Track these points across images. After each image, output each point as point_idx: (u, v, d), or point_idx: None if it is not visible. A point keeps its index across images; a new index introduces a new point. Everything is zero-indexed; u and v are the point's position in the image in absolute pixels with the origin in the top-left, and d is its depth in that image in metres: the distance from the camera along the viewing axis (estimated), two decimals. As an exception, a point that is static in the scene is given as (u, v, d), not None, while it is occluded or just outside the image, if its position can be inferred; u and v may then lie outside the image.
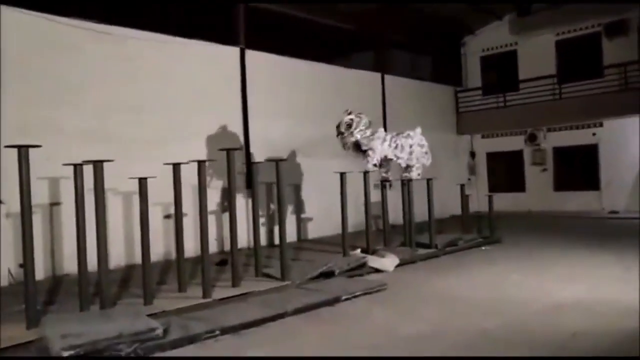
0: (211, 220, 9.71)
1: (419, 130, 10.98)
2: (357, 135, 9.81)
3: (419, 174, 10.80)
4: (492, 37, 19.33)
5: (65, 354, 4.50)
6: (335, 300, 6.63)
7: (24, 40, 9.05)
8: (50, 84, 9.32)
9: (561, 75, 17.54)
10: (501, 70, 19.54)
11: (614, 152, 16.72)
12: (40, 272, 8.40)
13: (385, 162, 10.56)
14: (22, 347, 5.02)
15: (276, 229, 9.54)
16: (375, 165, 10.15)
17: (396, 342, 5.06)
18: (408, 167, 10.74)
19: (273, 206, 11.87)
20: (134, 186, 6.75)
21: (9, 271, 8.48)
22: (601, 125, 16.98)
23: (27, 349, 4.97)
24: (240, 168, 11.61)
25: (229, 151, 7.40)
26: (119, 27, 10.26)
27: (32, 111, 8.96)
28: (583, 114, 16.68)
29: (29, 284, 5.56)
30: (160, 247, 10.12)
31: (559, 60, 17.89)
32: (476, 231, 12.10)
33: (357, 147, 10.06)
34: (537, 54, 18.15)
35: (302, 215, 13.32)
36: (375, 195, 11.03)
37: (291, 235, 12.03)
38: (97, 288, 6.28)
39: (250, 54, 12.53)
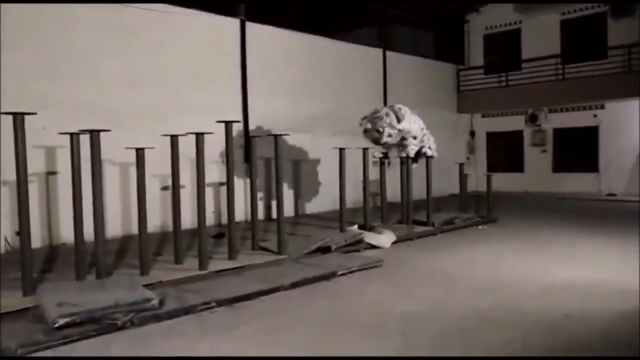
0: (209, 193, 9.71)
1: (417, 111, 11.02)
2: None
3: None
4: (496, 15, 19.07)
5: (61, 321, 4.51)
6: (332, 275, 6.66)
7: (19, 10, 8.87)
8: (47, 55, 9.18)
9: (565, 56, 17.36)
10: (504, 49, 19.33)
11: (614, 135, 16.67)
12: (37, 240, 8.43)
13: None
14: (18, 313, 5.03)
15: (274, 203, 9.53)
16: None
17: (391, 318, 5.08)
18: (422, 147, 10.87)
19: (271, 181, 11.84)
20: (132, 157, 6.71)
21: (5, 239, 8.49)
22: (603, 107, 16.90)
23: (23, 316, 4.99)
24: (239, 142, 11.55)
25: (227, 124, 7.33)
26: (118, 3, 10.06)
27: (28, 82, 8.81)
28: (585, 95, 16.56)
29: (26, 251, 5.56)
30: (157, 218, 10.13)
31: (563, 40, 17.68)
32: (474, 210, 12.12)
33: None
34: (542, 33, 17.94)
35: (300, 191, 13.31)
36: (373, 173, 11.01)
37: (289, 210, 12.03)
38: (94, 258, 6.28)
39: (250, 26, 12.35)
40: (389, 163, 11.07)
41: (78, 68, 9.55)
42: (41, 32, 9.11)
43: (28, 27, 8.94)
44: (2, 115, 5.70)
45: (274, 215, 9.51)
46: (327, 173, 12.74)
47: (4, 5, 8.61)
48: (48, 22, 9.21)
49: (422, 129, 10.69)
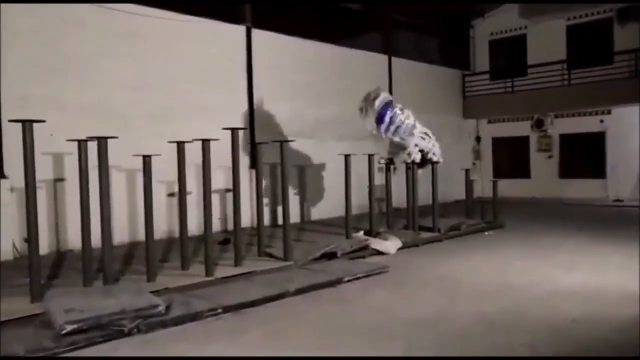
0: (215, 199, 9.73)
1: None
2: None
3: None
4: (501, 20, 19.09)
5: (69, 327, 4.54)
6: (337, 282, 6.66)
7: (26, 14, 8.96)
8: (53, 59, 9.26)
9: (571, 61, 17.33)
10: (510, 55, 19.33)
11: (621, 140, 16.60)
12: (45, 246, 8.47)
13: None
14: (26, 319, 5.06)
15: (279, 209, 9.55)
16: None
17: (396, 324, 5.08)
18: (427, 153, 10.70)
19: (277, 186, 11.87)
20: (138, 164, 6.76)
21: (14, 245, 8.54)
22: (609, 112, 16.84)
23: (31, 322, 5.02)
24: (245, 148, 11.58)
25: (233, 130, 7.37)
26: (123, 3, 10.14)
27: (35, 87, 8.90)
28: (591, 101, 16.51)
29: (34, 258, 5.59)
30: (164, 225, 10.17)
31: (569, 45, 17.66)
32: (480, 216, 12.08)
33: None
34: (547, 38, 17.93)
35: (306, 197, 13.32)
36: (379, 178, 11.00)
37: (294, 216, 12.03)
38: (101, 264, 6.32)
39: (256, 33, 12.42)
40: (394, 169, 11.06)
41: (85, 72, 9.62)
42: (48, 35, 9.19)
43: (33, 31, 9.01)
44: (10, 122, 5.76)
45: (280, 221, 9.52)
46: (332, 178, 12.74)
47: (11, 7, 8.69)
48: (55, 25, 9.29)
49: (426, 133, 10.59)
